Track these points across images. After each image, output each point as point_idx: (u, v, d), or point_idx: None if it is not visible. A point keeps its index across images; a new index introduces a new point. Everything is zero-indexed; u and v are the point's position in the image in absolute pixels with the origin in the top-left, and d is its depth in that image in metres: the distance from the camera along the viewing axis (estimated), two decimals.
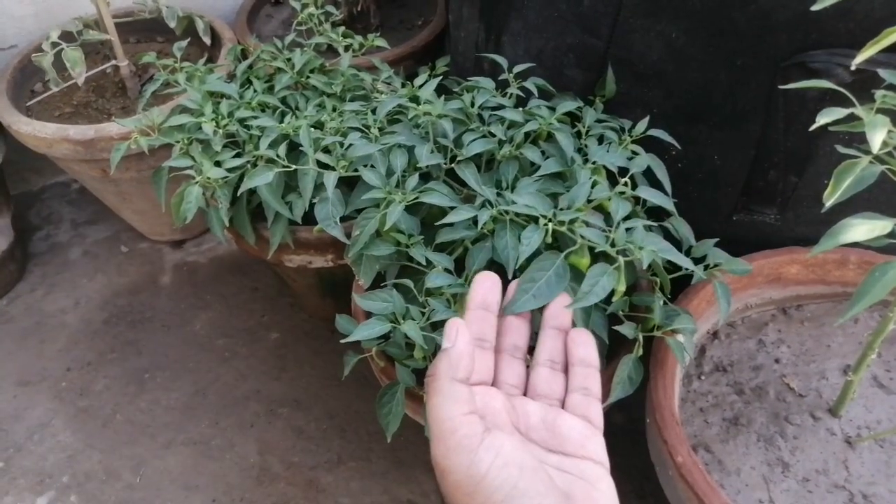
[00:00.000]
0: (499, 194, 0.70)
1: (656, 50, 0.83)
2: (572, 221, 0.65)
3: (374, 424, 1.19)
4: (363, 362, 0.78)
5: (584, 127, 0.81)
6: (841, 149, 0.63)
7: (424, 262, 0.68)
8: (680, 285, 0.80)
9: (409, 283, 0.68)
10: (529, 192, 0.67)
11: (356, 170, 0.76)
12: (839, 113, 0.55)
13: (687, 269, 0.68)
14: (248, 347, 1.33)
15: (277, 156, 0.80)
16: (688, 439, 0.77)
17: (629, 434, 1.03)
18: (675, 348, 0.68)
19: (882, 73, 0.61)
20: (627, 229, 0.64)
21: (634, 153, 0.78)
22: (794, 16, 0.73)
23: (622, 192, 0.70)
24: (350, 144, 0.77)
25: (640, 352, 0.70)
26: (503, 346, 0.48)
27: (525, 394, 0.48)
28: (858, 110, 0.55)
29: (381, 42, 1.03)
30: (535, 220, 0.65)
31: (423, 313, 0.66)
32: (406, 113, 0.85)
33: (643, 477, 1.07)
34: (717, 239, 0.77)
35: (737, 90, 0.81)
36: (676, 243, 0.78)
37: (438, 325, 0.68)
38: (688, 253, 0.77)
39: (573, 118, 0.84)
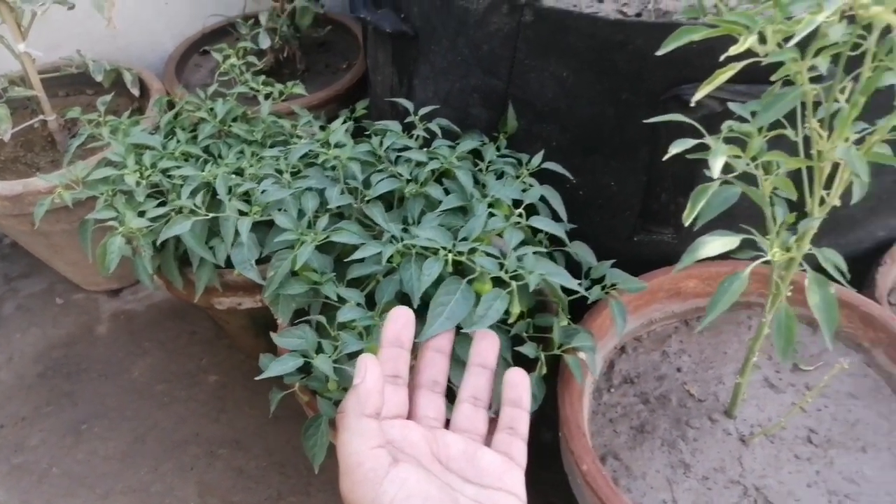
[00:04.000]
0: (405, 230, 0.75)
1: (550, 88, 0.90)
2: (472, 251, 0.70)
3: None
4: (297, 398, 0.81)
5: (484, 163, 0.87)
6: (707, 173, 0.70)
7: (336, 298, 0.72)
8: (590, 306, 0.86)
9: (321, 318, 0.72)
10: (431, 227, 0.72)
11: (270, 214, 0.80)
12: (689, 143, 0.62)
13: (580, 292, 0.74)
14: (187, 391, 1.34)
15: (195, 205, 0.83)
16: (597, 449, 0.82)
17: (556, 450, 1.07)
18: (573, 365, 0.73)
19: (731, 105, 0.68)
20: (519, 257, 0.69)
21: (530, 185, 0.84)
22: (666, 55, 0.80)
23: (517, 223, 0.76)
24: (263, 190, 0.81)
25: (544, 370, 0.75)
26: (422, 381, 0.50)
27: (446, 428, 0.49)
28: (708, 140, 0.62)
29: (298, 89, 1.08)
30: (436, 251, 0.70)
31: (335, 347, 0.70)
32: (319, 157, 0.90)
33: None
34: (614, 260, 0.83)
35: (624, 122, 0.88)
36: (578, 266, 0.84)
37: (353, 356, 0.72)
38: (587, 274, 0.83)
39: (477, 155, 0.90)
